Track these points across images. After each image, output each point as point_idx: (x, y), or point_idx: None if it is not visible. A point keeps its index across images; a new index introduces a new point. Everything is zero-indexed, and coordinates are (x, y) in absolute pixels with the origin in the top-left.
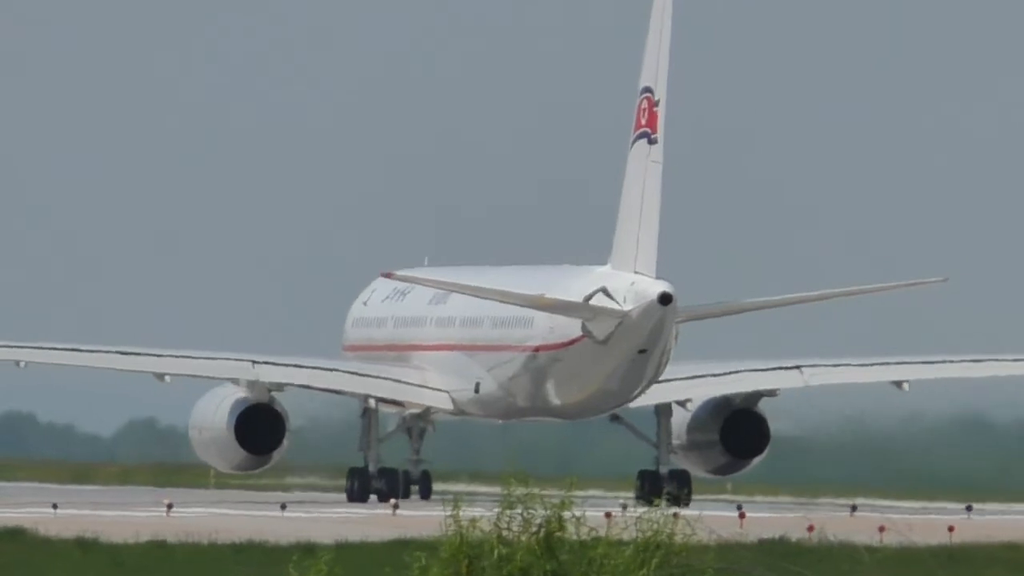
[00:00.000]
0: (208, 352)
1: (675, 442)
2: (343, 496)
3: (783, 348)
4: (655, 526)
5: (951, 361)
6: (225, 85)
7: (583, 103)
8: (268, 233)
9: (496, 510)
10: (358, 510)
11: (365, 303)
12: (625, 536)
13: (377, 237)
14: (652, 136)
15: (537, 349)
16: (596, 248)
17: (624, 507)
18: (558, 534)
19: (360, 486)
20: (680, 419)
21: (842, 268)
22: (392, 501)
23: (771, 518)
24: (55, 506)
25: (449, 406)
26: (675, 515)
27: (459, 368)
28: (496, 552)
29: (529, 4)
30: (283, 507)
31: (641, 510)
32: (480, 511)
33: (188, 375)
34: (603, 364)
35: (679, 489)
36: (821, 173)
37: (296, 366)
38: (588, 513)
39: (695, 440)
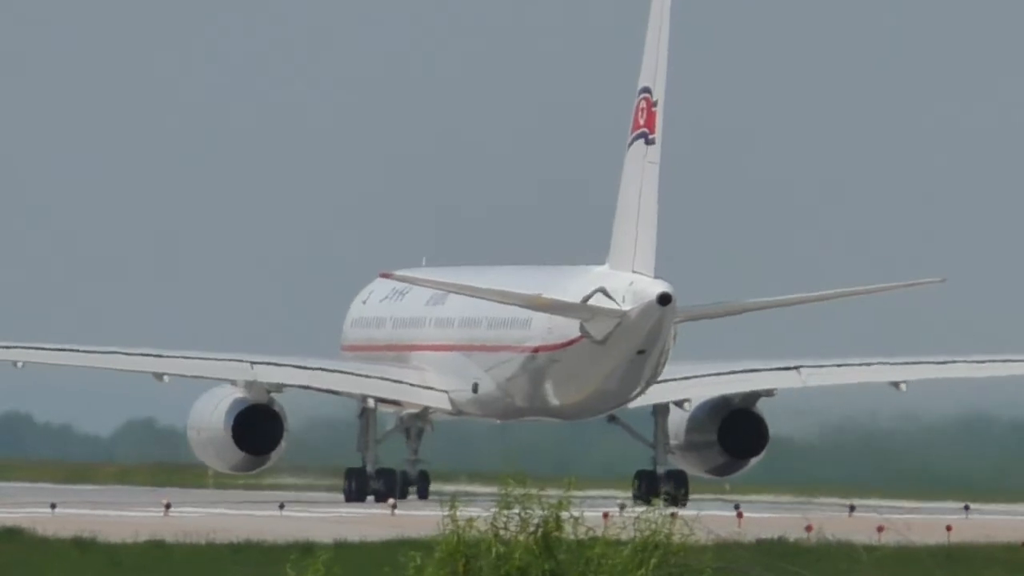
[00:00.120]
0: (206, 352)
1: (673, 442)
2: (341, 496)
3: (781, 348)
4: (653, 526)
5: (949, 362)
6: (225, 85)
7: (583, 103)
8: (267, 233)
9: (493, 510)
10: (356, 510)
11: (364, 303)
12: (623, 536)
13: (376, 237)
14: (650, 136)
15: (535, 350)
16: (594, 248)
17: (622, 507)
18: (556, 534)
19: (358, 486)
20: (678, 419)
21: (841, 268)
22: (391, 501)
23: (769, 518)
24: (53, 506)
25: (447, 406)
26: (673, 515)
27: (457, 368)
28: (493, 551)
29: (529, 4)
30: (281, 507)
31: (639, 510)
32: (478, 511)
33: (187, 375)
34: (601, 364)
35: (676, 489)
36: (821, 173)
37: (294, 367)
38: (586, 513)
39: (693, 440)
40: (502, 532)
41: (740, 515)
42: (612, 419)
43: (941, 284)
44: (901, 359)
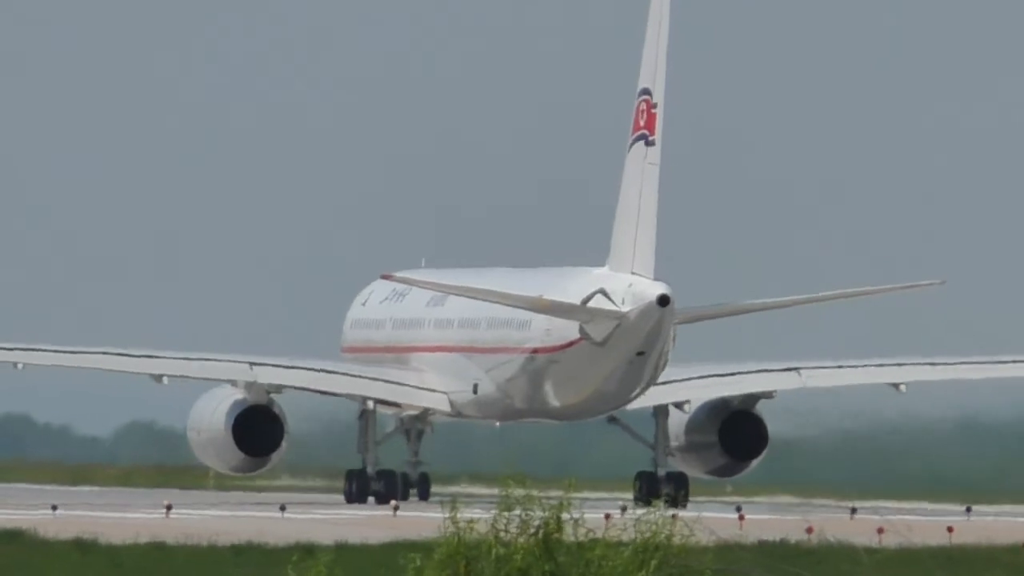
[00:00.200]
0: (206, 353)
1: (673, 444)
2: (341, 498)
3: (781, 350)
4: (654, 527)
5: (949, 363)
6: (225, 85)
7: (583, 103)
8: (267, 233)
9: (494, 512)
10: (357, 511)
11: (363, 305)
12: (624, 537)
13: (376, 238)
14: (650, 138)
15: (535, 351)
16: (594, 249)
17: (624, 509)
18: (556, 536)
19: (358, 488)
20: (678, 420)
21: (841, 269)
22: (392, 503)
23: (770, 520)
24: (54, 507)
25: (447, 408)
26: (673, 516)
27: (457, 370)
28: (494, 553)
29: (529, 4)
30: (283, 508)
31: (640, 511)
32: (479, 513)
33: (186, 376)
34: (601, 366)
35: (676, 491)
36: (821, 173)
37: (294, 368)
38: (587, 515)
39: (693, 442)
40: (503, 534)
41: (742, 517)
42: (612, 420)
43: (940, 286)
44: (901, 360)
